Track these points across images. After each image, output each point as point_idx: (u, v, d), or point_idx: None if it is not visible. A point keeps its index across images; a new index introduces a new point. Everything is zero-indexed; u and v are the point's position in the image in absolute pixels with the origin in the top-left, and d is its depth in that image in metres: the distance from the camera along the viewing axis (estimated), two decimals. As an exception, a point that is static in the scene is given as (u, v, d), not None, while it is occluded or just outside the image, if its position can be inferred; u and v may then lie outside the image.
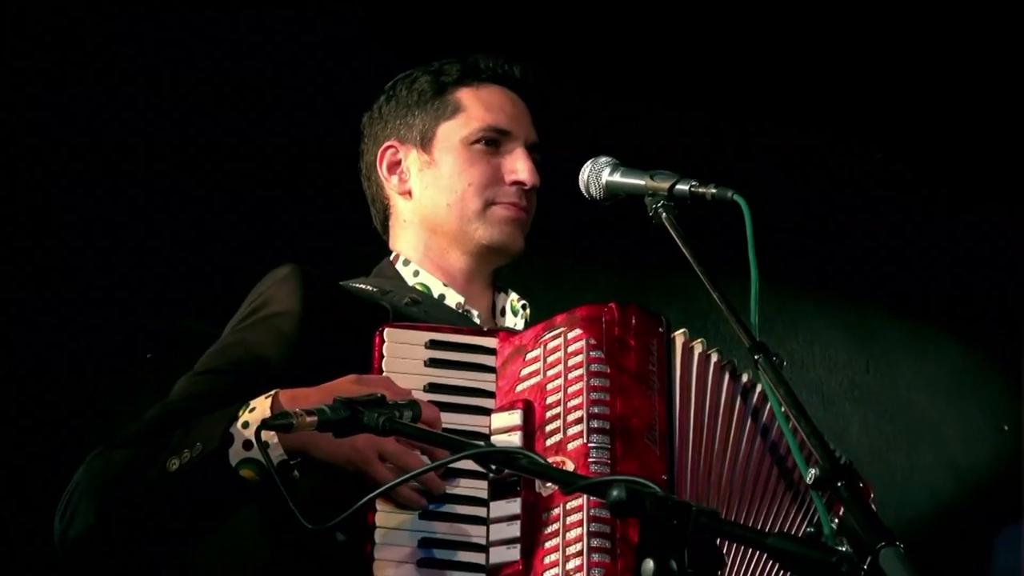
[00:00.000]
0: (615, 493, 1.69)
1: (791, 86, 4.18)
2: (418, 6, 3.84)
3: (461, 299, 2.50)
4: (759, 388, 2.27)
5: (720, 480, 2.17)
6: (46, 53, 3.43)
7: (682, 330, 2.26)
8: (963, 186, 4.29)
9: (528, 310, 2.58)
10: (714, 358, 2.27)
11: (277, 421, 1.87)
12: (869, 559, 1.72)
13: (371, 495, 1.96)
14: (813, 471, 1.83)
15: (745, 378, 2.30)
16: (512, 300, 2.59)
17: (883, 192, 4.31)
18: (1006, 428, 3.58)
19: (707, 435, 2.20)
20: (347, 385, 2.06)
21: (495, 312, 2.59)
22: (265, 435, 1.98)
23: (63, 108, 3.44)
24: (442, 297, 2.50)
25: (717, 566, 1.72)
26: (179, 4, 3.59)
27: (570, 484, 1.84)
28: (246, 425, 2.02)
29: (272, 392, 2.06)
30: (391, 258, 2.57)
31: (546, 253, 2.77)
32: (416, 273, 2.52)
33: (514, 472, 1.98)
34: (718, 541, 1.75)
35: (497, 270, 2.62)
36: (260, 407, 2.03)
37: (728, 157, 3.98)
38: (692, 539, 1.68)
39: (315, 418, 1.85)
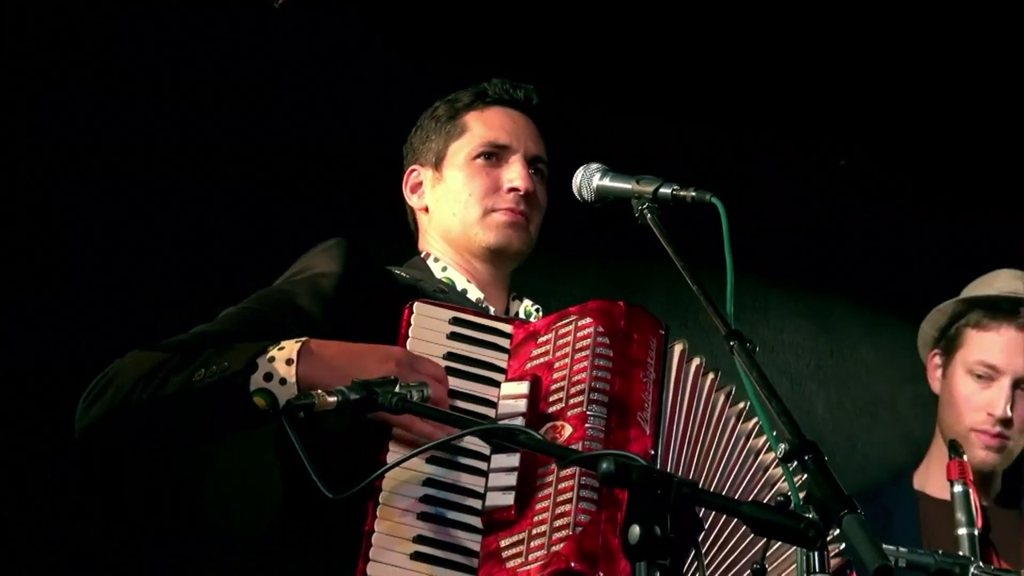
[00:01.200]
0: (605, 465, 1.98)
1: (759, 92, 4.42)
2: (419, 6, 4.05)
3: (481, 295, 2.89)
4: (755, 419, 2.60)
5: (702, 460, 2.52)
6: (46, 53, 3.62)
7: (681, 339, 2.60)
8: (914, 193, 4.64)
9: (540, 313, 2.94)
10: (710, 376, 2.61)
11: (302, 401, 2.23)
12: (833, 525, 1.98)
13: (395, 463, 2.34)
14: (783, 446, 2.11)
15: (741, 405, 2.63)
16: (526, 305, 2.97)
17: (845, 196, 4.64)
18: None
19: (696, 427, 2.54)
20: (378, 348, 2.45)
21: (509, 314, 2.95)
22: (284, 371, 2.35)
23: (63, 108, 3.63)
24: (465, 291, 2.88)
25: (697, 531, 2.01)
26: (179, 4, 3.79)
27: (564, 458, 2.15)
28: (272, 360, 2.39)
29: (303, 339, 2.42)
30: (422, 256, 2.96)
31: (544, 249, 3.04)
32: (444, 269, 2.91)
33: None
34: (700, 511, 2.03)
35: (511, 276, 2.99)
36: (289, 348, 2.41)
37: (706, 163, 4.25)
38: (674, 507, 1.96)
39: (336, 398, 2.21)
